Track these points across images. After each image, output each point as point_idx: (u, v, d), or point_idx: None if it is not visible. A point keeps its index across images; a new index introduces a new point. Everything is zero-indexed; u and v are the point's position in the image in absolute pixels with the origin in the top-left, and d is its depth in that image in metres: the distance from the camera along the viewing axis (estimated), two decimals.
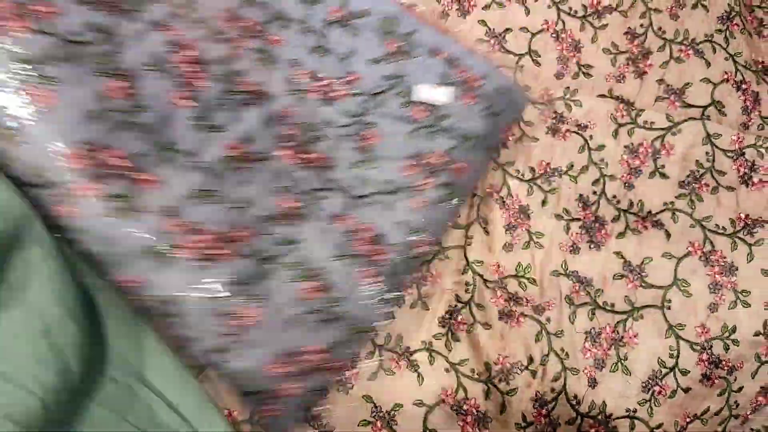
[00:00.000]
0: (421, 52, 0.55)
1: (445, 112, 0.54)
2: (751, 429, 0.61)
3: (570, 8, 0.64)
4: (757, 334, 0.59)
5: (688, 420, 0.57)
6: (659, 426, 0.57)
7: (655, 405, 0.57)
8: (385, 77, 0.55)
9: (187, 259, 0.44)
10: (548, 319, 0.57)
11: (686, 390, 0.57)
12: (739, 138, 0.61)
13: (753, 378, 0.59)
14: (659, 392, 0.57)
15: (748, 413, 0.60)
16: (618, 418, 0.56)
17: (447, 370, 0.56)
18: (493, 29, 0.62)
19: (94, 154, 0.42)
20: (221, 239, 0.45)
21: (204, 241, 0.45)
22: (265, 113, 0.51)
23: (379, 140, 0.53)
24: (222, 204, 0.46)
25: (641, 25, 0.64)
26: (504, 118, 0.56)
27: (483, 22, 0.62)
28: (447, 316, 0.57)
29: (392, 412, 0.55)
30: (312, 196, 0.50)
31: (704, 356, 0.57)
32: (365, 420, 0.54)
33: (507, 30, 0.62)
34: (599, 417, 0.56)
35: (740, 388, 0.59)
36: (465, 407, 0.55)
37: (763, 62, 0.65)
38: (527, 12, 0.63)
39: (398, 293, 0.52)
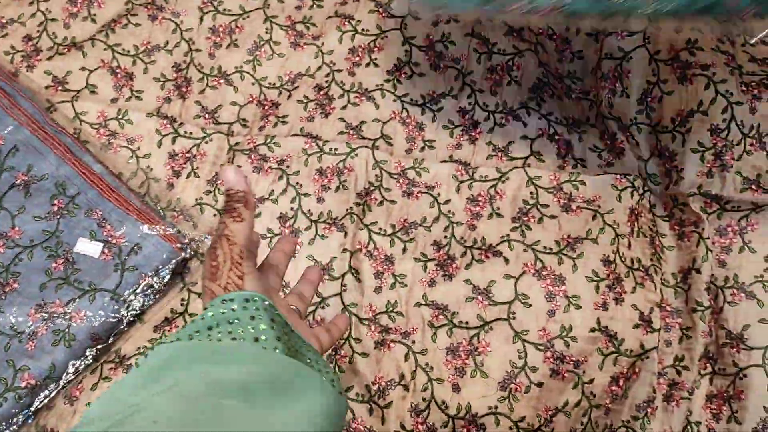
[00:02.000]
0: (79, 212, 0.69)
1: (82, 266, 0.67)
2: (622, 420, 0.71)
3: (411, 99, 0.81)
4: (593, 331, 0.71)
5: (550, 413, 0.68)
6: (522, 419, 0.67)
7: (513, 401, 0.67)
8: (43, 231, 0.68)
9: None
10: (413, 342, 0.69)
11: (539, 384, 0.68)
12: (556, 177, 0.77)
13: (601, 369, 0.70)
14: (515, 389, 0.68)
15: (608, 403, 0.71)
16: (483, 415, 0.67)
17: None
18: (351, 123, 0.79)
19: None
20: None
21: None
22: None
23: (18, 287, 0.66)
24: None
25: (469, 103, 0.81)
26: (141, 271, 0.68)
27: (342, 119, 0.80)
28: (332, 352, 0.69)
29: None
30: None
31: (548, 354, 0.69)
32: None
33: (362, 122, 0.80)
34: (467, 417, 0.67)
35: (591, 380, 0.70)
36: (353, 426, 0.67)
37: (573, 117, 0.81)
38: (377, 107, 0.80)
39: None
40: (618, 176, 0.77)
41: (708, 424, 0.72)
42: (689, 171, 0.74)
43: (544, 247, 0.73)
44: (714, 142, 0.73)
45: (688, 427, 0.72)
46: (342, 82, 0.81)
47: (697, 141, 0.74)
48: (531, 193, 0.76)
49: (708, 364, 0.73)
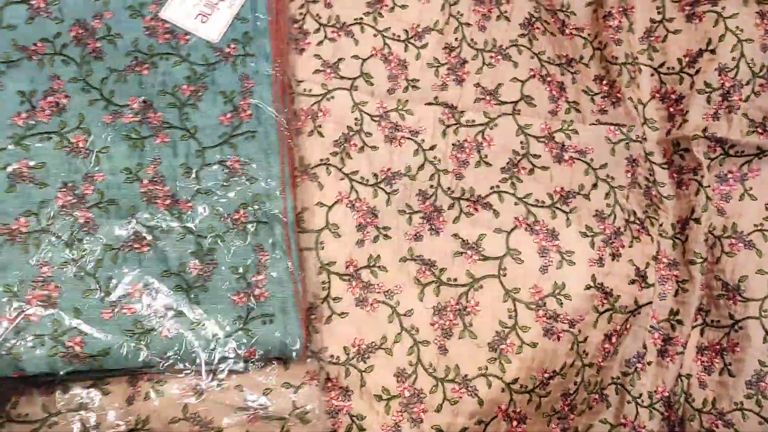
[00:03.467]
0: None
1: None
2: (611, 377, 0.68)
3: (393, 34, 0.73)
4: (587, 288, 0.66)
5: (546, 375, 0.64)
6: (515, 381, 0.64)
7: (505, 362, 0.64)
8: None
9: None
10: (398, 303, 0.64)
11: (533, 345, 0.64)
12: (547, 126, 0.71)
13: (595, 327, 0.67)
14: (506, 350, 0.64)
15: (600, 360, 0.67)
16: (474, 378, 0.63)
17: (308, 357, 0.62)
18: (328, 61, 0.72)
19: None
20: None
21: None
22: None
23: None
24: None
25: (456, 39, 0.73)
26: None
27: (318, 56, 0.72)
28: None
29: None
30: None
31: (540, 313, 0.65)
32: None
33: (340, 59, 0.72)
34: (457, 380, 0.63)
35: (585, 338, 0.66)
36: (329, 385, 0.62)
37: (566, 55, 0.75)
38: (356, 42, 0.72)
39: None
40: (612, 128, 0.71)
41: (699, 376, 0.70)
42: (695, 113, 0.69)
43: (536, 200, 0.68)
44: (722, 81, 0.68)
45: (679, 380, 0.69)
46: None
47: (704, 81, 0.69)
48: (521, 142, 0.70)
49: (699, 316, 0.70)
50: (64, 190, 0.58)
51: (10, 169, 0.57)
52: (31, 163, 0.57)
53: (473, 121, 0.70)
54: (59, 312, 0.55)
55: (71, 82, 0.60)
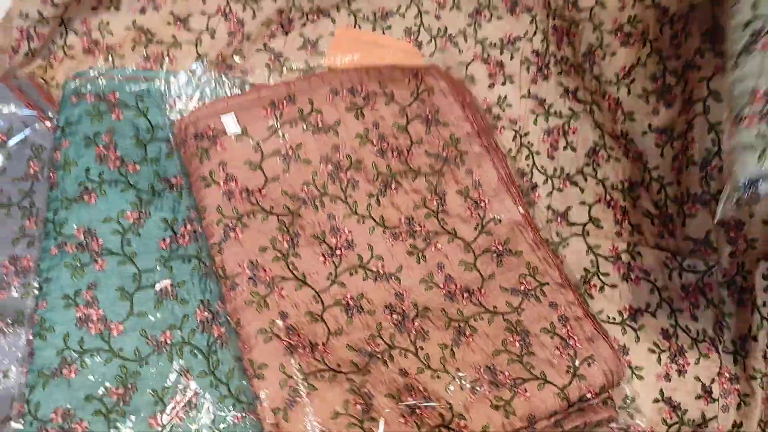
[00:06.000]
0: None
1: None
2: None
3: None
4: (656, 401, 0.72)
5: None
6: None
7: None
8: None
9: None
10: None
11: None
12: (614, 246, 0.78)
13: None
14: None
15: None
16: None
17: None
18: None
19: None
20: None
21: None
22: None
23: None
24: None
25: (527, 165, 0.82)
26: None
27: None
28: None
29: None
30: None
31: (613, 425, 0.70)
32: None
33: None
34: None
35: None
36: None
37: (629, 179, 0.81)
38: None
39: None
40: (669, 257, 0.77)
41: None
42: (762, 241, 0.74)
43: (608, 317, 0.74)
44: None
45: None
46: None
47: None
48: (591, 261, 0.77)
49: (759, 427, 0.74)
50: None
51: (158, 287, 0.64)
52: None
53: (546, 239, 0.77)
54: None
55: None
